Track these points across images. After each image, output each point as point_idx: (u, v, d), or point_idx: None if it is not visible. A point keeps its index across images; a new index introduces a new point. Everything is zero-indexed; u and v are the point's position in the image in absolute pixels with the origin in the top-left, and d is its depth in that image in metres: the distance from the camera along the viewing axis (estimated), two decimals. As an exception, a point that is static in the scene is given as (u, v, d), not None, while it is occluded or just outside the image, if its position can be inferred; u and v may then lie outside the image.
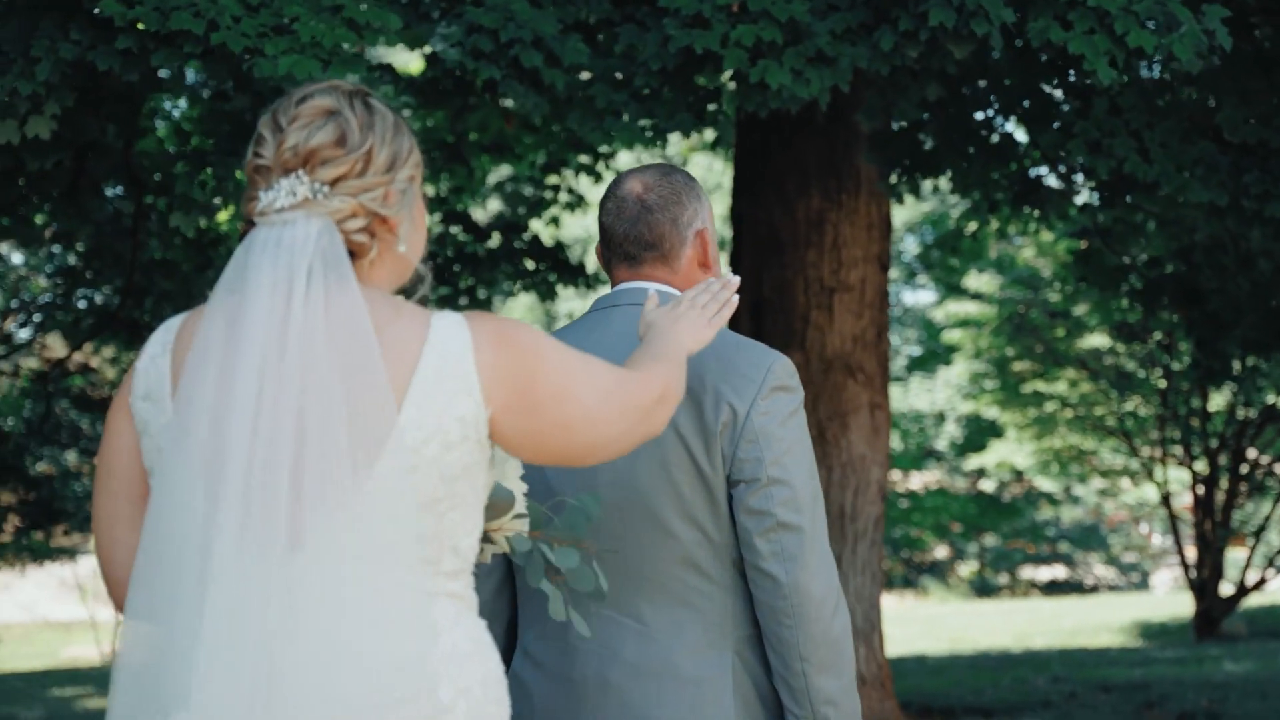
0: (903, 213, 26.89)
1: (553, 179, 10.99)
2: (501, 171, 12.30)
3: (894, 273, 28.86)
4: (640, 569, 2.90)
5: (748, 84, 5.98)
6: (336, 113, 2.29)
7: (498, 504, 2.55)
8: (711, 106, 6.61)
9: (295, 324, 2.18)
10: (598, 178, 10.76)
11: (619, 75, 6.29)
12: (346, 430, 2.16)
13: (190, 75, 7.09)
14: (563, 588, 2.77)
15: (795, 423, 2.93)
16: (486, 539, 2.64)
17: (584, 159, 10.61)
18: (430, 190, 11.11)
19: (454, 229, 10.60)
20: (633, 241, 3.09)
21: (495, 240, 10.61)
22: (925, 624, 21.10)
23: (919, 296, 33.22)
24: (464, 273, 10.52)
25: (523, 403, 2.32)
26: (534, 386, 2.32)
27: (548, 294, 10.61)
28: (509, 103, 7.23)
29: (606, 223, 3.12)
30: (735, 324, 8.98)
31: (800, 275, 8.67)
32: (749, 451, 2.88)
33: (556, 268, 10.56)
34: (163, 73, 5.93)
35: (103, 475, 2.40)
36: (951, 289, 25.50)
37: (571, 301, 27.39)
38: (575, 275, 10.59)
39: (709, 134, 10.87)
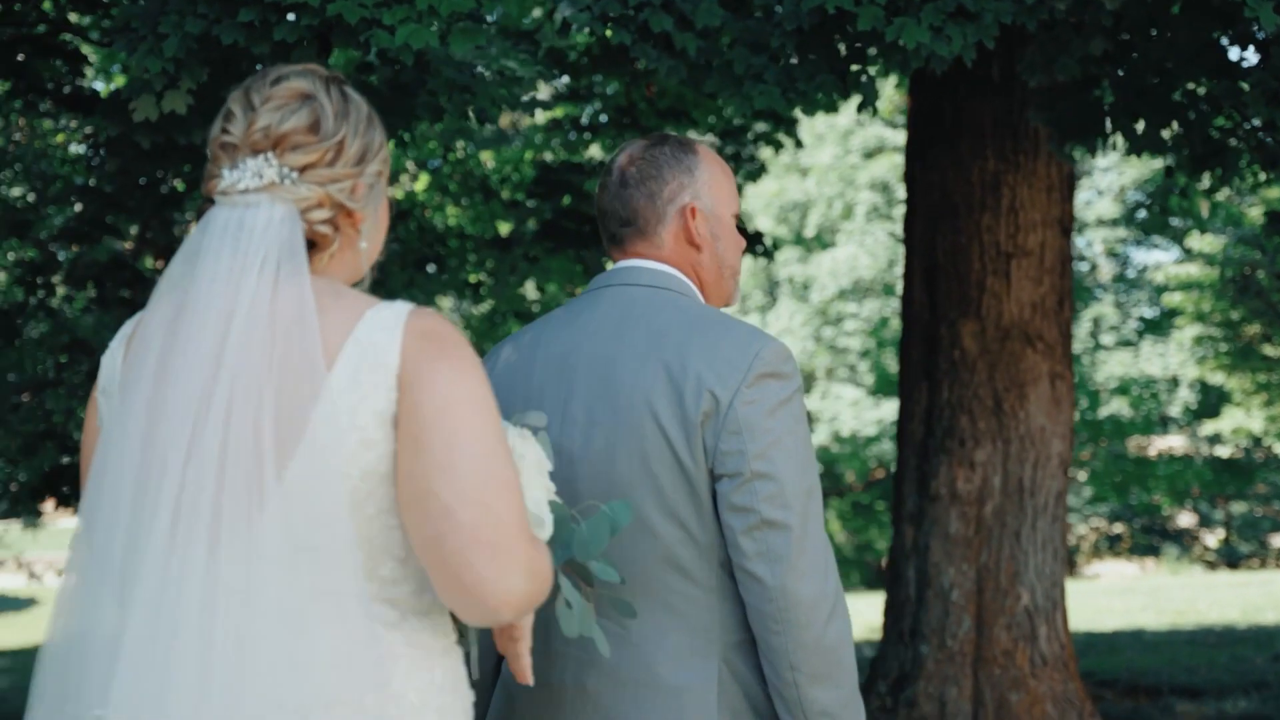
0: (1135, 169, 25.93)
1: (731, 147, 10.78)
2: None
3: (1123, 232, 27.86)
4: (620, 570, 2.70)
5: (884, 43, 5.71)
6: (312, 97, 2.24)
7: None
8: (856, 68, 6.33)
9: (241, 314, 2.13)
10: (778, 146, 10.52)
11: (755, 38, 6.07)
12: (273, 428, 2.09)
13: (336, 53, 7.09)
14: (587, 602, 2.60)
15: (786, 413, 2.72)
16: None
17: (763, 126, 10.39)
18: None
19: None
20: (612, 218, 2.96)
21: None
22: (1150, 595, 20.34)
23: (1153, 256, 32.10)
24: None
25: (405, 407, 2.17)
26: (426, 406, 2.15)
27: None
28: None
29: (597, 199, 3.00)
30: (909, 292, 8.71)
31: (975, 240, 8.33)
32: (732, 444, 2.68)
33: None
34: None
35: (83, 468, 2.36)
36: (1183, 250, 24.59)
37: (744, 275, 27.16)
38: (752, 243, 10.38)
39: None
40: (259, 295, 2.13)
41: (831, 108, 6.73)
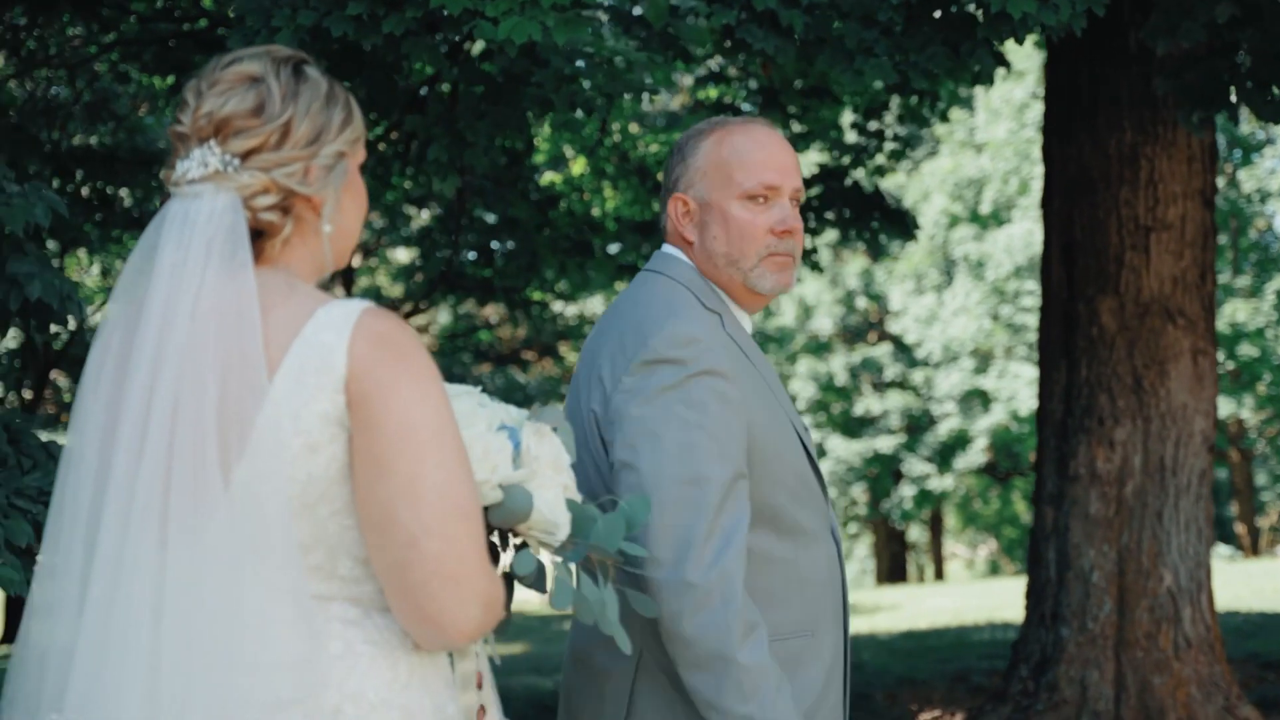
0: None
1: (874, 124, 10.68)
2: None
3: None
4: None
5: (989, 13, 5.63)
6: (259, 80, 2.18)
7: (513, 511, 2.38)
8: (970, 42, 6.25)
9: (185, 307, 2.09)
10: (923, 123, 10.40)
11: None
12: (216, 425, 2.05)
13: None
14: (615, 598, 2.62)
15: (668, 399, 2.72)
16: (514, 542, 2.48)
17: (910, 102, 10.28)
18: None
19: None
20: None
21: (816, 189, 10.43)
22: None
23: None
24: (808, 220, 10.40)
25: (361, 420, 2.11)
26: (388, 426, 2.10)
27: (871, 242, 10.36)
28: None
29: None
30: (1047, 269, 8.55)
31: (1113, 214, 8.14)
32: (611, 433, 2.75)
33: (879, 215, 10.28)
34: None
35: None
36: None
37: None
38: (899, 223, 10.29)
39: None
40: (202, 289, 2.08)
41: (976, 80, 6.65)
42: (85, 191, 10.30)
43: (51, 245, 10.04)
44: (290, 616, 2.09)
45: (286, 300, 2.14)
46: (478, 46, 7.44)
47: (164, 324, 2.08)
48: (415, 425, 2.10)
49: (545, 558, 2.51)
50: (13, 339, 12.33)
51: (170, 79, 9.46)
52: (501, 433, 2.38)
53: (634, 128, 12.55)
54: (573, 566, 2.55)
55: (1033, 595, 8.44)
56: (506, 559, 2.46)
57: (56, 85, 10.87)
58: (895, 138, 10.66)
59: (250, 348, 2.08)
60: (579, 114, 6.94)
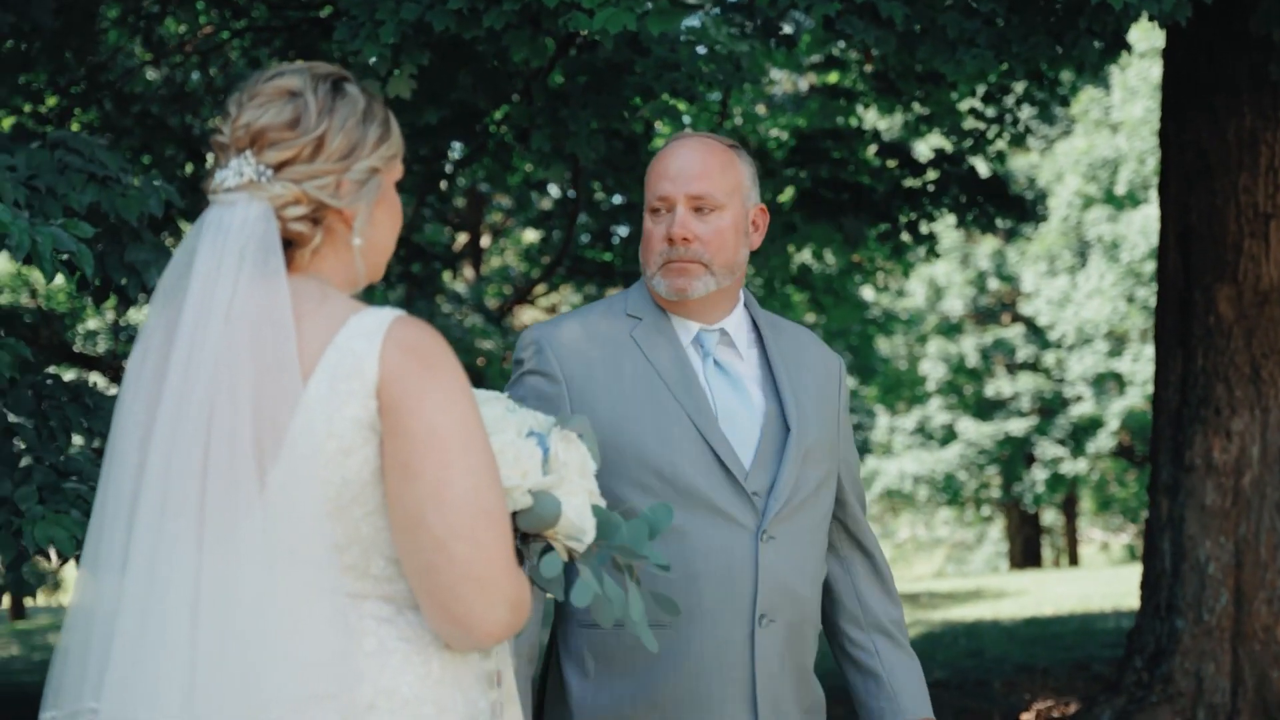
0: None
1: (993, 109, 10.57)
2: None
3: None
4: None
5: (1091, 2, 5.57)
6: (298, 94, 2.24)
7: (542, 516, 2.44)
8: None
9: (218, 312, 2.15)
10: (1043, 106, 10.28)
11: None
12: (252, 428, 2.12)
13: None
14: (640, 599, 2.68)
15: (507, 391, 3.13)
16: (549, 546, 2.52)
17: (1022, 86, 10.16)
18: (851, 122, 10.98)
19: (890, 163, 10.42)
20: None
21: (932, 174, 10.36)
22: None
23: None
24: (902, 207, 10.33)
25: (390, 425, 2.17)
26: (416, 432, 2.16)
27: (988, 227, 10.27)
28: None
29: None
30: (1163, 256, 8.43)
31: (1231, 201, 8.00)
32: None
33: (995, 201, 10.18)
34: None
35: None
36: None
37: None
38: (1016, 209, 10.18)
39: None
40: (235, 295, 2.15)
41: (1080, 69, 6.58)
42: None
43: (185, 228, 10.28)
44: (325, 614, 2.15)
45: (319, 308, 2.21)
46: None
47: (197, 328, 2.15)
48: (442, 431, 2.16)
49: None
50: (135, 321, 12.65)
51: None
52: (531, 439, 2.44)
53: (761, 109, 12.55)
54: (605, 575, 2.62)
55: (1148, 586, 8.34)
56: (531, 563, 2.50)
57: (189, 71, 11.13)
58: (1015, 121, 10.54)
59: (285, 353, 2.14)
60: (679, 102, 6.98)
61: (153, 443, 2.15)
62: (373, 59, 5.73)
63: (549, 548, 2.51)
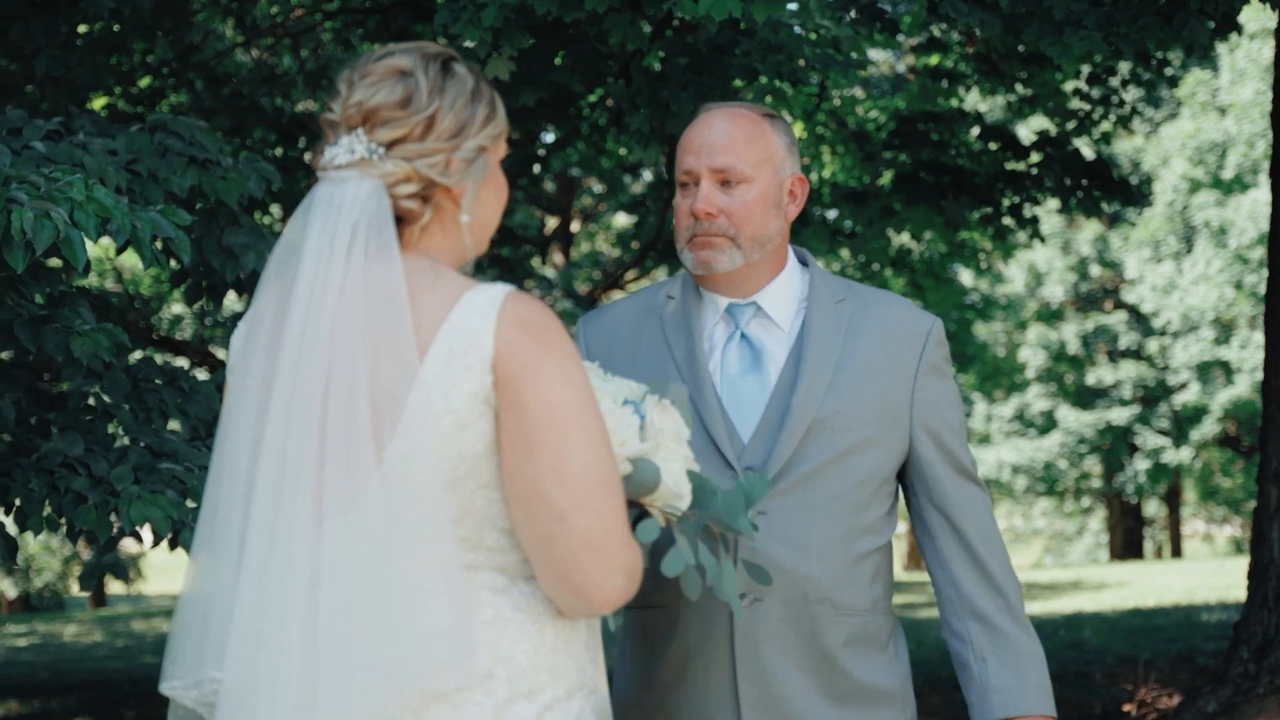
0: None
1: (1098, 91, 10.39)
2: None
3: None
4: None
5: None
6: (409, 74, 2.28)
7: (641, 483, 2.48)
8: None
9: (333, 288, 2.20)
10: (1150, 87, 10.10)
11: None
12: (369, 403, 2.16)
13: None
14: (732, 569, 2.68)
15: None
16: (643, 513, 2.56)
17: (1127, 66, 9.98)
18: (951, 104, 10.83)
19: (993, 145, 10.28)
20: None
21: (1035, 157, 10.22)
22: None
23: None
24: (1006, 190, 10.20)
25: (507, 399, 2.21)
26: (535, 406, 2.20)
27: (1092, 211, 10.11)
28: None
29: None
30: (1274, 240, 8.24)
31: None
32: None
33: (1100, 185, 10.02)
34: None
35: None
36: None
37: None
38: (1121, 193, 10.01)
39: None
40: (348, 271, 2.19)
41: (1189, 51, 6.45)
42: (307, 157, 10.62)
43: (275, 210, 10.37)
44: (441, 586, 2.19)
45: (433, 285, 2.24)
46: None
47: (311, 305, 2.19)
48: (560, 405, 2.20)
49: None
50: (235, 304, 12.78)
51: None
52: (627, 407, 2.48)
53: (860, 92, 12.45)
54: (700, 543, 2.62)
55: (1255, 576, 8.17)
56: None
57: (280, 53, 11.20)
58: (1121, 103, 10.36)
59: (401, 329, 2.18)
60: (784, 85, 6.92)
61: (268, 420, 2.19)
62: (472, 42, 5.71)
63: (644, 514, 2.54)
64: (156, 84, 9.41)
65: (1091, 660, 11.39)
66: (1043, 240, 11.06)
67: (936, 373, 3.18)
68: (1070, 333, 26.85)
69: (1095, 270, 27.05)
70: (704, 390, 3.06)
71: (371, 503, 2.15)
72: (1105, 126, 10.60)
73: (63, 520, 4.52)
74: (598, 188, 16.69)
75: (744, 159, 3.06)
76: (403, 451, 2.17)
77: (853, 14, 6.75)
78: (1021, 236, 11.22)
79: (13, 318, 4.25)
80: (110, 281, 13.20)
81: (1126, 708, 9.20)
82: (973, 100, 14.11)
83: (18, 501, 4.46)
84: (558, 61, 7.00)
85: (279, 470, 2.18)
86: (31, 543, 24.37)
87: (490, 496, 2.26)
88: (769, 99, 8.50)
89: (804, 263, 3.24)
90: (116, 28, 7.85)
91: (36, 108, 7.41)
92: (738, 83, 6.90)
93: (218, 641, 2.21)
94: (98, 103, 9.02)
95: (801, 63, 6.44)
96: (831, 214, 11.73)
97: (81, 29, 7.55)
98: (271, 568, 2.17)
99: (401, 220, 2.29)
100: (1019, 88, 10.20)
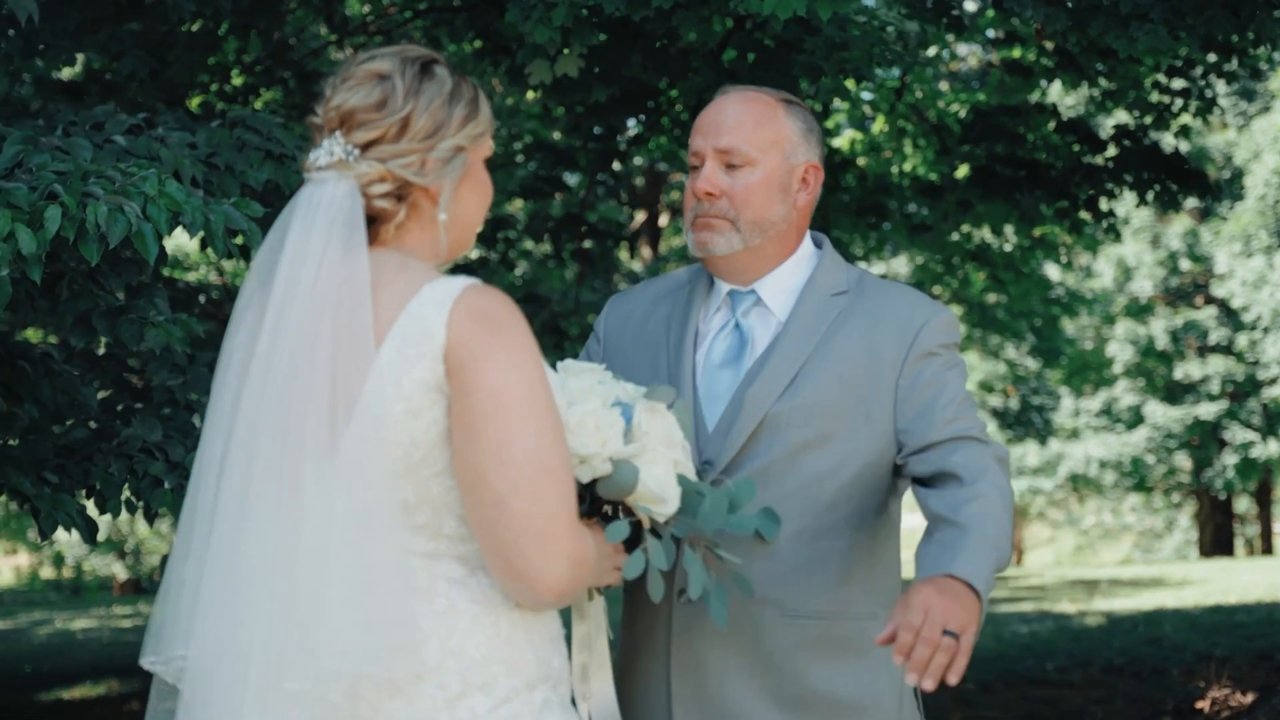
0: None
1: (1178, 82, 10.30)
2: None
3: None
4: None
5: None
6: (387, 77, 2.37)
7: (619, 484, 2.53)
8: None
9: (305, 284, 2.28)
10: (1231, 78, 10.00)
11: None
12: (327, 394, 2.24)
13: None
14: (713, 575, 2.73)
15: None
16: (618, 512, 2.61)
17: (1212, 58, 9.87)
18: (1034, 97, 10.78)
19: (1068, 138, 10.24)
20: None
21: (1112, 150, 10.16)
22: None
23: None
24: (1082, 184, 10.16)
25: (457, 386, 2.27)
26: (480, 395, 2.26)
27: (1170, 204, 10.05)
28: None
29: None
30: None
31: None
32: None
33: (1177, 178, 9.95)
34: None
35: None
36: None
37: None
38: (1198, 186, 9.94)
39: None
40: (321, 268, 2.27)
41: (1257, 43, 6.42)
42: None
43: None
44: (391, 573, 2.26)
45: (397, 277, 2.33)
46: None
47: (285, 299, 2.28)
48: (506, 392, 2.26)
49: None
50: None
51: (477, 43, 9.79)
52: (614, 409, 2.53)
53: (944, 85, 12.41)
54: (686, 548, 2.69)
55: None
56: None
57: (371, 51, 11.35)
58: (1202, 96, 10.26)
59: (360, 321, 2.27)
60: (849, 81, 6.95)
61: (240, 409, 2.28)
62: (543, 40, 5.81)
63: (618, 515, 2.58)
64: (250, 81, 9.60)
65: (1169, 656, 11.33)
66: (1118, 235, 10.99)
67: (929, 357, 3.03)
68: (1159, 328, 26.55)
69: (1185, 265, 26.73)
70: (683, 380, 3.03)
71: (326, 489, 2.21)
72: (1185, 119, 10.50)
73: (140, 503, 4.68)
74: (684, 181, 16.72)
75: (749, 141, 3.03)
76: (356, 438, 2.24)
77: (919, 10, 6.74)
78: (1099, 231, 11.15)
79: (91, 308, 4.40)
80: (213, 275, 13.46)
81: (1200, 704, 9.15)
82: (1056, 94, 14.02)
83: (98, 485, 4.62)
84: (632, 58, 7.07)
85: (247, 458, 2.25)
86: (141, 527, 24.90)
87: (446, 484, 2.31)
88: (841, 97, 8.53)
89: (820, 248, 3.18)
90: (209, 26, 8.03)
91: (136, 105, 7.61)
92: (804, 82, 6.94)
93: (187, 621, 2.28)
94: (194, 101, 9.22)
95: (872, 63, 6.46)
96: (911, 208, 11.72)
97: (185, 28, 7.74)
98: (235, 551, 2.24)
99: (377, 219, 2.37)
100: (1102, 82, 10.14)
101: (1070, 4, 5.92)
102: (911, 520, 4.49)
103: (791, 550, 2.96)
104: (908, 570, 3.16)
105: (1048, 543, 37.30)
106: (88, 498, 4.68)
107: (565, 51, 6.14)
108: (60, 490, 4.48)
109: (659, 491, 2.55)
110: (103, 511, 4.68)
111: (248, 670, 2.20)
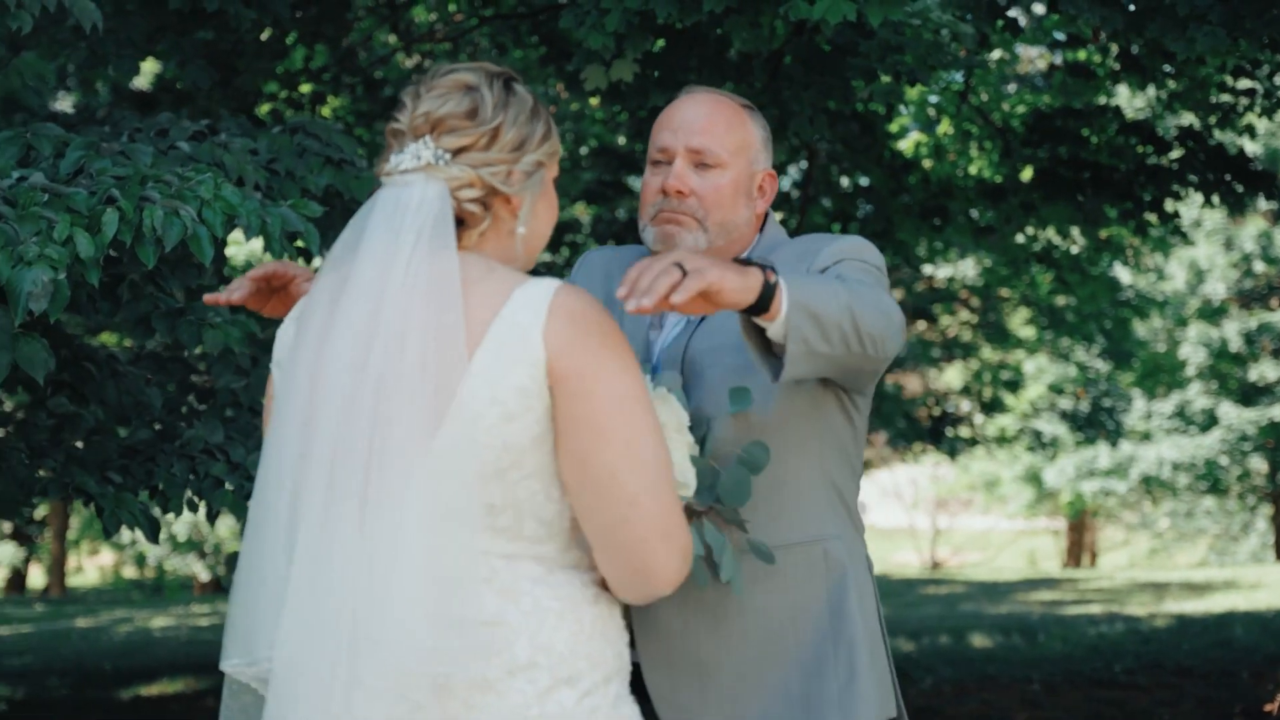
0: None
1: (1244, 83, 10.21)
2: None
3: None
4: None
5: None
6: (474, 88, 2.42)
7: None
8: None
9: (394, 284, 2.30)
10: (1298, 78, 9.91)
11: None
12: (420, 396, 2.26)
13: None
14: (729, 548, 2.78)
15: None
16: None
17: None
18: (1103, 100, 10.72)
19: (1133, 140, 10.17)
20: None
21: (1177, 151, 10.09)
22: None
23: None
24: (1147, 186, 10.10)
25: (568, 390, 2.31)
26: (603, 397, 2.31)
27: (1237, 206, 9.96)
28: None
29: None
30: None
31: None
32: None
33: (1244, 179, 9.87)
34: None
35: (265, 434, 2.59)
36: None
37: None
38: (1266, 187, 9.85)
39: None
40: (410, 267, 2.29)
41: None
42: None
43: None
44: (484, 575, 2.31)
45: (485, 280, 2.35)
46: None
47: (374, 299, 2.30)
48: (628, 394, 2.32)
49: None
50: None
51: (542, 49, 9.87)
52: None
53: (1011, 88, 12.36)
54: (705, 524, 2.75)
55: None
56: None
57: (438, 59, 11.47)
58: (1269, 95, 10.15)
59: (452, 322, 2.28)
60: (902, 84, 6.96)
61: (320, 408, 2.31)
62: (597, 45, 5.87)
63: None
64: (317, 89, 9.73)
65: (1238, 659, 11.24)
66: (1185, 237, 10.92)
67: (835, 264, 2.95)
68: (1232, 330, 26.27)
69: (1259, 267, 26.42)
70: (649, 357, 3.04)
71: (417, 490, 2.24)
72: (1251, 119, 10.41)
73: (201, 503, 4.78)
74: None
75: (721, 143, 3.04)
76: (448, 441, 2.27)
77: (968, 9, 6.73)
78: (1166, 233, 11.07)
79: (151, 311, 4.50)
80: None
81: (1269, 708, 9.09)
82: (1123, 97, 13.90)
83: (160, 485, 4.72)
84: (690, 63, 7.11)
85: (329, 459, 2.28)
86: (221, 528, 25.21)
87: (532, 488, 2.35)
88: (899, 99, 8.52)
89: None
90: (277, 35, 8.15)
91: (205, 114, 7.74)
92: (858, 84, 6.95)
93: (269, 622, 2.31)
94: (263, 108, 9.35)
95: (922, 63, 6.46)
96: (975, 211, 11.68)
97: (254, 37, 7.86)
98: (321, 553, 2.27)
99: (461, 223, 2.41)
100: (1169, 83, 10.07)
101: (1125, 5, 5.90)
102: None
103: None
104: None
105: (1122, 546, 36.98)
106: (150, 498, 4.78)
107: (620, 58, 6.19)
108: (124, 490, 4.58)
109: (682, 477, 2.63)
110: (165, 511, 4.78)
111: (335, 670, 2.24)
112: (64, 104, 11.83)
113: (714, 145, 3.03)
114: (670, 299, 2.36)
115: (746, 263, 2.53)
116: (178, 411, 5.23)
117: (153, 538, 4.69)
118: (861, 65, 6.51)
